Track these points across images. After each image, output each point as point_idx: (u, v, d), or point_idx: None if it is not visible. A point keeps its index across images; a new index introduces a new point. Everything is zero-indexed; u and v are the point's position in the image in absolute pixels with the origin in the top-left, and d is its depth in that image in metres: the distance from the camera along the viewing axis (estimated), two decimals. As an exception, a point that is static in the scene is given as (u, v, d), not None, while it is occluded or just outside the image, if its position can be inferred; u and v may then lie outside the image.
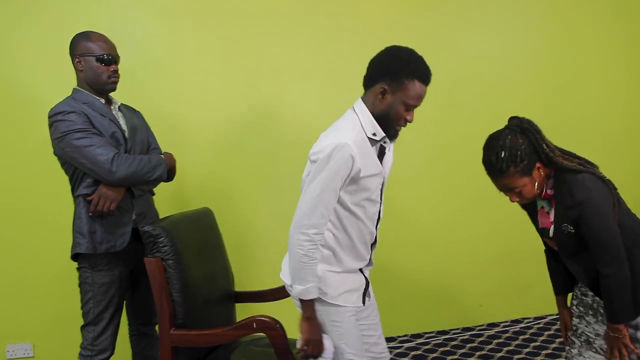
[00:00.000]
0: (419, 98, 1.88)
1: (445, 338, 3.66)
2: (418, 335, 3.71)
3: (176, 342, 2.12)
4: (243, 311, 2.55)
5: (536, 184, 1.88)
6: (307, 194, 1.84)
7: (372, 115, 1.90)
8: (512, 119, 1.95)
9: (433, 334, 3.72)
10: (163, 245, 2.12)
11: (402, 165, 3.23)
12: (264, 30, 3.27)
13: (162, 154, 2.52)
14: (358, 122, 1.89)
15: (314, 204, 1.82)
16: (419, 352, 3.46)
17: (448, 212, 3.74)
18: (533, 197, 1.92)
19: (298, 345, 1.93)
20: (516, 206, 3.80)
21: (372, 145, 1.92)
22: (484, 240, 3.82)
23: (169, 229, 2.16)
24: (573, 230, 1.85)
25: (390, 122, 1.90)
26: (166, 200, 2.86)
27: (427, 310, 3.73)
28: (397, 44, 1.94)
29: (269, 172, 3.34)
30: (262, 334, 2.12)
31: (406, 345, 3.56)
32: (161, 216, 2.56)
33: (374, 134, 1.90)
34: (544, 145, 1.86)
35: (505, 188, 1.90)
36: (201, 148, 3.20)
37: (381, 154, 1.98)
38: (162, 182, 2.52)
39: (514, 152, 1.83)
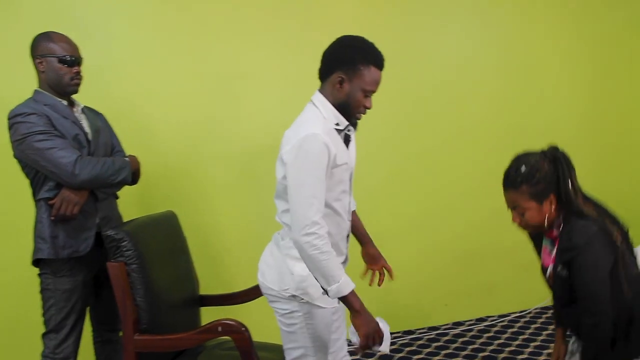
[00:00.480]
0: (376, 83, 1.91)
1: (412, 338, 3.70)
2: (410, 332, 3.76)
3: (140, 348, 2.10)
4: (209, 315, 2.53)
5: (545, 218, 1.85)
6: (296, 195, 1.80)
7: (333, 106, 1.92)
8: (551, 146, 1.91)
9: (399, 334, 3.75)
10: (126, 250, 2.09)
11: (365, 169, 3.27)
12: (229, 33, 3.25)
13: (126, 157, 2.49)
14: (320, 114, 1.90)
15: (307, 201, 1.78)
16: (412, 347, 3.51)
17: (414, 215, 3.78)
18: (534, 227, 1.90)
19: (355, 341, 1.83)
20: (480, 210, 3.90)
21: (338, 135, 1.93)
22: (450, 242, 3.87)
23: (133, 232, 2.14)
24: (566, 275, 1.82)
25: (351, 110, 1.92)
26: (130, 203, 2.83)
27: (393, 310, 3.76)
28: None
29: (234, 175, 3.32)
30: (228, 337, 2.11)
31: (399, 341, 3.58)
32: (125, 220, 2.52)
33: (337, 124, 1.92)
34: (569, 180, 1.84)
35: (512, 204, 1.89)
36: (166, 151, 3.17)
37: (346, 143, 1.98)
38: (126, 186, 2.49)
39: (534, 172, 1.83)
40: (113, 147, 2.54)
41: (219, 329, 2.04)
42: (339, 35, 1.96)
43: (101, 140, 2.43)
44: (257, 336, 2.17)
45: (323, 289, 1.82)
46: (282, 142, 1.94)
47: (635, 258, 1.90)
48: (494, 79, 3.93)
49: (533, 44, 4.02)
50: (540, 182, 1.83)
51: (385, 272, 2.32)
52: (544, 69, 4.06)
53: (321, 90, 1.96)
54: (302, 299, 1.91)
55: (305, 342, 1.95)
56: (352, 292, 1.81)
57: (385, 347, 1.88)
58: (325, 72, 1.94)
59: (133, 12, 3.08)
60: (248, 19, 3.29)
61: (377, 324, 1.85)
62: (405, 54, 3.63)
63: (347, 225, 2.03)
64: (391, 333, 3.70)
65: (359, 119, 1.99)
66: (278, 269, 1.95)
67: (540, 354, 3.37)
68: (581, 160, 4.20)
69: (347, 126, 1.94)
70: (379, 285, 2.29)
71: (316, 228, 1.77)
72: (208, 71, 3.23)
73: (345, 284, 1.79)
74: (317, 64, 1.98)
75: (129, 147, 2.64)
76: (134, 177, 2.47)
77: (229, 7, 3.25)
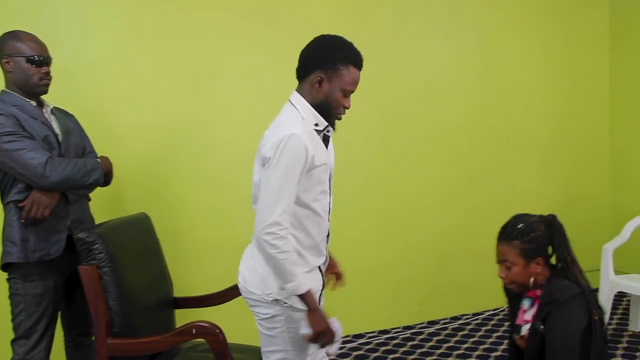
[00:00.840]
0: (355, 83, 1.91)
1: (387, 337, 3.72)
2: (360, 336, 3.75)
3: (113, 352, 2.07)
4: (184, 317, 2.51)
5: (530, 278, 1.93)
6: (266, 193, 1.80)
7: (311, 106, 1.90)
8: (550, 214, 2.01)
9: (375, 334, 3.77)
10: (98, 252, 2.06)
11: (344, 171, 3.28)
12: (200, 32, 3.24)
13: (98, 158, 2.45)
14: (299, 115, 1.89)
15: (274, 201, 1.77)
16: (360, 352, 3.50)
17: (390, 217, 3.81)
18: (518, 284, 1.96)
19: (306, 334, 1.87)
20: (456, 213, 3.94)
21: (317, 136, 1.92)
22: (425, 244, 3.91)
23: (105, 235, 2.10)
24: (542, 330, 1.87)
25: (330, 110, 1.91)
26: (102, 205, 2.79)
27: (369, 310, 3.78)
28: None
29: (208, 175, 3.30)
30: (202, 339, 2.09)
31: (348, 345, 3.60)
32: (97, 222, 2.49)
33: (317, 124, 1.90)
34: (566, 249, 1.94)
35: (501, 256, 1.97)
36: (138, 152, 3.14)
37: (325, 144, 1.97)
38: (98, 187, 2.45)
39: (529, 231, 1.93)
40: (84, 149, 2.50)
41: (193, 331, 2.02)
42: (315, 36, 1.96)
43: (72, 141, 2.39)
44: (232, 338, 2.16)
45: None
46: (260, 142, 1.92)
47: (607, 344, 1.93)
48: (471, 83, 3.99)
49: (509, 49, 4.10)
50: (533, 242, 1.92)
51: (337, 278, 2.33)
52: (521, 73, 4.15)
53: (299, 90, 1.94)
54: (285, 302, 1.89)
55: (286, 346, 1.94)
56: (308, 292, 1.83)
57: (334, 349, 1.93)
58: (303, 72, 1.92)
59: (104, 11, 3.04)
60: (222, 19, 3.28)
61: (330, 325, 1.88)
62: (382, 57, 3.66)
63: (327, 225, 2.03)
64: (366, 333, 3.75)
65: (339, 119, 1.98)
66: (260, 272, 1.92)
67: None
68: (556, 161, 4.36)
69: (327, 127, 1.93)
70: (332, 289, 2.30)
71: (277, 228, 1.77)
72: (181, 71, 3.20)
73: (301, 284, 1.81)
74: (293, 64, 1.97)
75: (101, 148, 2.60)
76: (106, 178, 2.44)
77: (203, 7, 3.23)
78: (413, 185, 3.84)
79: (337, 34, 1.95)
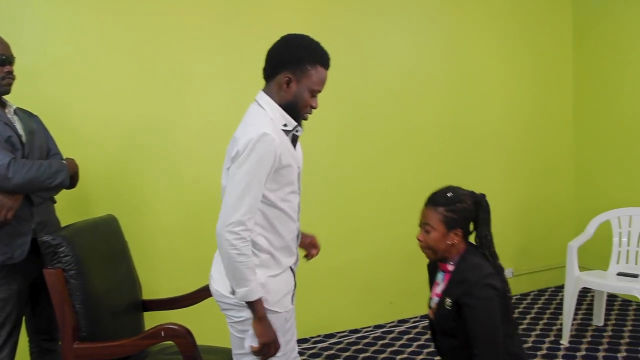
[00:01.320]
0: (323, 83, 1.91)
1: (358, 336, 3.74)
2: (331, 335, 3.76)
3: (80, 357, 2.03)
4: (153, 320, 2.48)
5: (446, 247, 1.98)
6: (232, 190, 1.77)
7: (279, 106, 1.89)
8: (480, 193, 2.05)
9: (345, 333, 3.78)
10: (64, 255, 2.03)
11: (313, 172, 3.28)
12: (170, 31, 3.20)
13: (63, 160, 2.41)
14: (267, 115, 1.87)
15: (239, 199, 1.75)
16: (331, 351, 3.51)
17: (361, 218, 3.82)
18: (433, 251, 2.01)
19: (249, 345, 1.86)
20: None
21: (286, 136, 1.91)
22: (395, 242, 3.92)
23: (70, 237, 2.07)
24: (451, 308, 1.92)
25: (298, 110, 1.90)
26: (68, 208, 2.74)
27: (340, 309, 3.79)
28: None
29: (176, 176, 3.27)
30: (171, 342, 2.07)
31: (319, 345, 3.60)
32: (63, 225, 2.44)
33: (285, 125, 1.89)
34: (487, 228, 2.01)
35: (423, 219, 2.02)
36: (105, 153, 3.09)
37: (294, 144, 1.96)
38: (64, 189, 2.41)
39: (455, 201, 1.98)
40: (49, 150, 2.45)
41: (162, 333, 2.00)
42: (276, 38, 1.94)
43: (36, 142, 2.35)
44: (202, 340, 2.15)
45: (232, 289, 1.83)
46: (228, 146, 1.90)
47: (512, 313, 2.05)
48: (437, 85, 4.03)
49: (476, 52, 4.15)
50: (457, 212, 1.98)
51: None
52: (487, 75, 4.20)
53: (266, 90, 1.92)
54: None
55: None
56: (259, 300, 1.82)
57: None
58: (270, 72, 1.91)
59: (70, 9, 2.99)
60: (191, 19, 3.24)
61: (276, 336, 1.87)
62: (350, 58, 3.68)
63: (296, 225, 2.02)
64: (337, 332, 3.75)
65: (306, 119, 1.97)
66: None
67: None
68: (522, 162, 4.43)
69: (295, 127, 1.92)
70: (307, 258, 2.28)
71: (240, 229, 1.75)
72: (148, 71, 3.17)
73: (253, 291, 1.79)
74: (257, 65, 1.96)
75: (67, 149, 2.56)
76: (72, 180, 2.40)
77: (171, 6, 3.19)
78: (381, 185, 3.86)
79: (311, 34, 1.95)
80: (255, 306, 1.81)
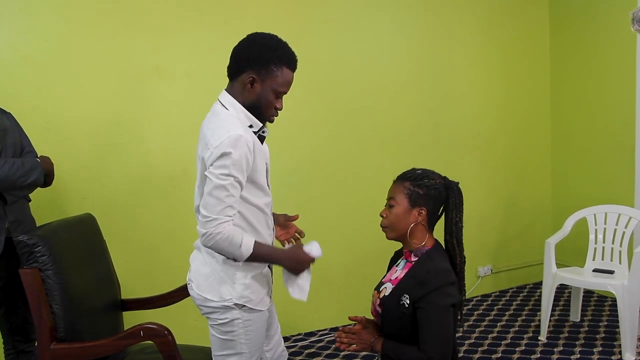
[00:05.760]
0: (288, 84, 1.88)
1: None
2: (312, 333, 3.76)
3: (58, 358, 1.99)
4: (132, 319, 2.46)
5: (408, 226, 1.89)
6: (209, 190, 1.74)
7: (243, 106, 1.86)
8: (454, 180, 1.96)
9: (326, 331, 3.78)
10: (40, 255, 1.99)
11: (292, 167, 3.28)
12: (144, 28, 3.15)
13: (38, 158, 2.37)
14: (233, 115, 1.84)
15: (218, 200, 1.73)
16: (312, 349, 3.51)
17: (339, 215, 3.82)
18: (395, 228, 1.92)
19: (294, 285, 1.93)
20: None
21: (254, 135, 1.89)
22: (374, 240, 3.89)
23: (47, 237, 2.03)
24: (407, 307, 1.81)
25: (262, 111, 1.88)
26: (44, 206, 2.70)
27: (320, 308, 3.79)
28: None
29: (153, 174, 3.23)
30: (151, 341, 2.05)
31: (300, 343, 3.59)
32: (39, 224, 2.40)
33: (251, 126, 1.87)
34: (458, 214, 1.90)
35: (390, 194, 1.94)
36: (80, 150, 3.03)
37: (261, 142, 1.94)
38: (38, 188, 2.37)
39: (424, 178, 1.90)
40: (23, 148, 2.41)
41: (141, 333, 1.97)
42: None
43: (9, 140, 2.30)
44: (181, 339, 2.13)
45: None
46: (198, 145, 1.88)
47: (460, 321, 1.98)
48: (416, 83, 4.04)
49: (454, 50, 4.17)
50: (424, 188, 1.88)
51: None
52: (465, 73, 4.23)
53: (229, 90, 1.90)
54: (244, 306, 1.87)
55: (242, 349, 1.91)
56: (259, 247, 1.82)
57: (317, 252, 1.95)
58: (235, 71, 1.87)
59: (43, 6, 2.93)
60: (164, 15, 3.20)
61: (307, 253, 1.92)
62: (328, 57, 3.67)
63: (271, 221, 2.02)
64: (318, 330, 3.74)
65: (272, 122, 1.95)
66: (217, 279, 1.88)
67: (462, 345, 3.49)
68: (500, 160, 4.47)
69: (261, 128, 1.90)
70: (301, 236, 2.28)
71: (221, 222, 1.74)
72: (124, 68, 3.12)
73: (248, 244, 1.79)
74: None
75: (41, 147, 2.51)
76: (46, 179, 2.36)
77: (143, 4, 3.15)
78: (361, 184, 3.85)
79: (281, 32, 1.92)
80: (262, 254, 1.85)
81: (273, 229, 2.06)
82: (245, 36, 1.90)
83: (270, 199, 2.00)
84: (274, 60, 1.83)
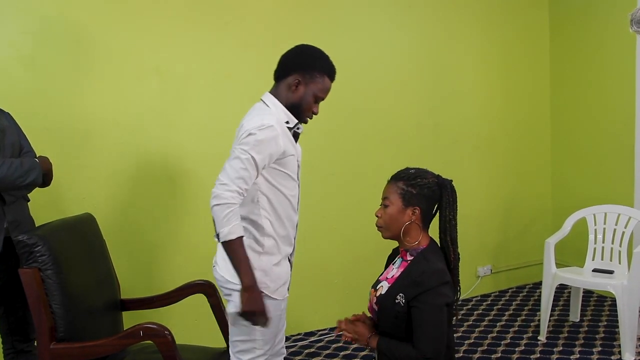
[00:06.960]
0: (327, 92, 2.07)
1: (339, 334, 3.72)
2: (311, 333, 3.76)
3: (57, 357, 2.00)
4: (131, 319, 2.45)
5: (402, 225, 1.90)
6: (229, 162, 1.85)
7: (284, 106, 2.01)
8: (447, 178, 1.97)
9: (326, 331, 3.78)
10: (40, 255, 1.99)
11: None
12: (144, 28, 3.15)
13: (36, 158, 2.36)
14: (272, 112, 1.98)
15: (235, 170, 1.83)
16: (312, 349, 3.51)
17: (339, 214, 3.82)
18: (389, 227, 1.93)
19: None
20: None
21: (288, 132, 2.01)
22: (373, 240, 3.90)
23: (47, 237, 2.03)
24: (402, 307, 1.83)
25: (302, 112, 2.04)
26: (43, 206, 2.69)
27: (320, 308, 3.79)
28: (289, 46, 2.08)
29: (153, 173, 3.22)
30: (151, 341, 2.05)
31: (300, 343, 3.59)
32: (38, 224, 2.40)
33: (287, 122, 2.00)
34: (452, 212, 1.91)
35: (384, 194, 1.96)
36: (80, 150, 3.03)
37: (295, 139, 2.07)
38: (37, 188, 2.36)
39: (417, 178, 1.92)
40: (22, 148, 2.40)
41: (141, 333, 1.98)
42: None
43: (7, 140, 2.29)
44: (181, 339, 2.13)
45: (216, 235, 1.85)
46: (236, 134, 1.96)
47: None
48: (417, 83, 4.04)
49: (455, 52, 4.17)
50: (417, 187, 1.90)
51: None
52: (466, 74, 4.23)
53: (273, 92, 2.04)
54: (261, 292, 1.90)
55: (256, 335, 1.97)
56: (242, 249, 1.84)
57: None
58: (282, 74, 2.03)
59: (43, 6, 2.93)
60: (163, 16, 3.19)
61: (265, 308, 1.87)
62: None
63: (296, 217, 2.11)
64: (318, 330, 3.73)
65: (306, 123, 2.11)
66: None
67: (461, 345, 3.49)
68: (500, 160, 4.46)
69: (297, 124, 2.05)
70: None
71: (233, 188, 1.80)
72: (124, 68, 3.11)
73: (236, 229, 1.81)
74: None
75: (41, 147, 2.51)
76: (45, 179, 2.35)
77: (145, 2, 3.15)
78: (362, 184, 3.85)
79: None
80: (239, 258, 1.83)
81: (296, 226, 2.13)
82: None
83: (297, 192, 2.10)
84: (319, 68, 2.03)
